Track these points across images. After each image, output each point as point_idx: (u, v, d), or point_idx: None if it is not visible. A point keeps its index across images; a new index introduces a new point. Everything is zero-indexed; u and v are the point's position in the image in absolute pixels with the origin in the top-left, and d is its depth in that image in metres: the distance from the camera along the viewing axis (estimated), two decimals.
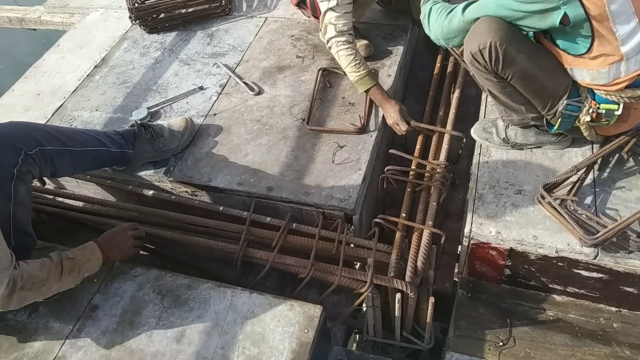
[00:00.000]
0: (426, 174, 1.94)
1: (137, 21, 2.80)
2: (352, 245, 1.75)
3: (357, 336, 2.07)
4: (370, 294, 1.60)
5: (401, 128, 2.01)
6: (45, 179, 1.94)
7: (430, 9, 1.74)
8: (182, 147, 2.08)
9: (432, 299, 1.64)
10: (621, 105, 1.56)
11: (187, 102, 2.34)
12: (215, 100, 2.32)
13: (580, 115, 1.64)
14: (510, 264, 1.72)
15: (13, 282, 1.33)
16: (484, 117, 2.04)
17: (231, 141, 2.11)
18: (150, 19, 2.80)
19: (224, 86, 2.39)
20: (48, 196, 2.18)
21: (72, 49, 2.82)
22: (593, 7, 1.37)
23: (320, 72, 2.32)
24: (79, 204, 2.11)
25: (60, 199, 2.16)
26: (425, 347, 1.80)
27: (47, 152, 1.63)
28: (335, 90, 2.28)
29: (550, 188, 1.69)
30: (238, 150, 2.07)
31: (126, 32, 2.86)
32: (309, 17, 2.45)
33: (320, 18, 2.04)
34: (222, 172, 1.98)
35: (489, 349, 1.64)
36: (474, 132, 1.97)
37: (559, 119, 1.67)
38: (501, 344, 1.65)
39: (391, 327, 1.80)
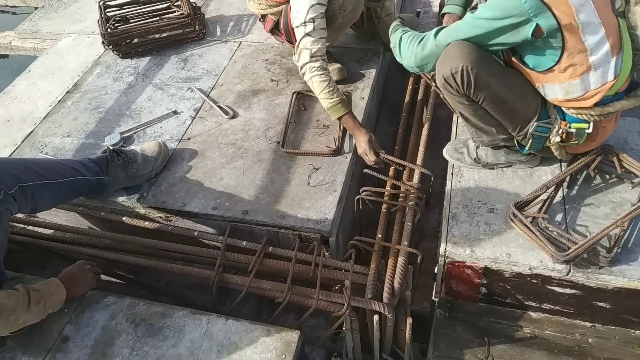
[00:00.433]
0: (401, 195, 1.96)
1: (110, 46, 2.79)
2: (329, 267, 1.75)
3: None
4: (348, 317, 1.59)
5: (369, 158, 2.02)
6: None
7: (401, 37, 1.78)
8: (155, 172, 2.06)
9: (410, 320, 1.64)
10: (591, 124, 1.61)
11: (161, 127, 2.33)
12: (190, 124, 2.31)
13: (550, 136, 1.69)
14: (485, 282, 1.73)
15: None
16: (456, 138, 2.08)
17: (206, 165, 2.10)
18: (123, 44, 2.80)
19: (198, 110, 2.39)
20: (17, 225, 2.12)
21: (43, 75, 2.79)
22: (564, 16, 1.42)
23: (295, 95, 2.34)
24: (50, 232, 2.06)
25: (30, 227, 2.11)
26: None
27: (27, 189, 1.59)
28: (309, 113, 2.29)
29: (521, 206, 1.72)
30: (213, 174, 2.06)
31: (99, 57, 2.84)
32: (282, 42, 2.48)
33: (296, 44, 2.06)
34: (197, 197, 1.97)
35: None
36: (446, 152, 2.00)
37: (530, 140, 1.71)
38: None
39: (370, 350, 1.79)
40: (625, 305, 1.63)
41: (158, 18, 2.90)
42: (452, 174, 1.94)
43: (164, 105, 2.45)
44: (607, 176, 1.83)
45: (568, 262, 1.56)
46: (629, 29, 1.52)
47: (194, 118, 2.34)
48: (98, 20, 2.83)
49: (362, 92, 2.37)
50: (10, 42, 3.41)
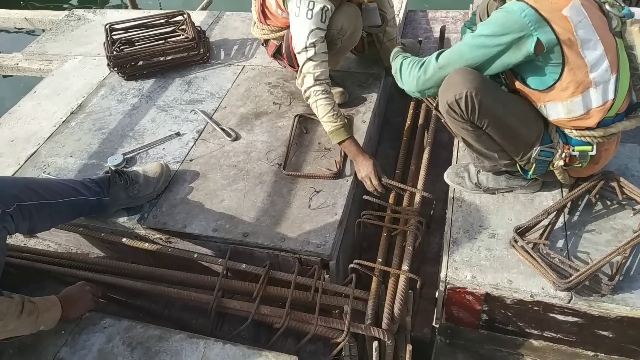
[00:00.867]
0: (401, 218, 1.95)
1: (115, 68, 2.82)
2: (329, 292, 1.73)
3: None
4: (347, 343, 1.57)
5: (372, 182, 2.01)
6: None
7: (401, 63, 1.79)
8: (157, 193, 2.06)
9: (410, 347, 1.62)
10: (595, 146, 1.61)
11: (164, 148, 2.34)
12: (192, 146, 2.33)
13: (554, 160, 1.69)
14: (487, 308, 1.71)
15: None
16: (457, 162, 2.09)
17: (207, 187, 2.10)
18: (128, 67, 2.83)
19: (201, 132, 2.40)
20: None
21: (48, 96, 2.82)
22: (562, 31, 1.44)
23: (297, 118, 2.36)
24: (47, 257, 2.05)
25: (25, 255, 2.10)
26: None
27: (25, 208, 1.58)
28: (311, 136, 2.31)
29: (522, 232, 1.71)
30: (214, 195, 2.06)
31: (104, 79, 2.87)
32: (285, 67, 2.51)
33: (299, 69, 2.09)
34: (198, 218, 1.96)
35: None
36: (447, 176, 2.00)
37: (534, 165, 1.71)
38: None
39: None
40: (628, 334, 1.61)
41: (163, 41, 2.94)
42: (453, 198, 1.94)
43: (167, 126, 2.47)
44: (609, 202, 1.82)
45: (570, 289, 1.55)
46: (627, 49, 1.53)
47: (197, 140, 2.36)
48: (104, 43, 2.87)
49: (363, 116, 2.38)
50: (17, 63, 3.45)
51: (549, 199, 1.87)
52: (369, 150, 2.42)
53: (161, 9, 5.72)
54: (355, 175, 2.09)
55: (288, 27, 2.20)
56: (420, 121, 2.52)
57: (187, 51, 2.87)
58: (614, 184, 1.80)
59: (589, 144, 1.62)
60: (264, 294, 1.73)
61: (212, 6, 4.57)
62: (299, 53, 2.06)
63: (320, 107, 2.05)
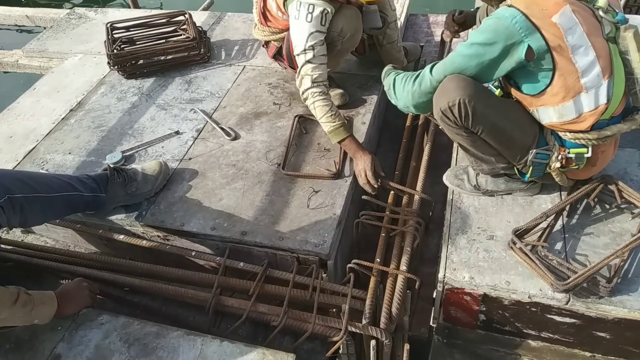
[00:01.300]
0: (400, 219, 1.95)
1: (116, 67, 2.82)
2: (327, 291, 1.73)
3: None
4: (345, 342, 1.57)
5: (367, 175, 2.00)
6: None
7: (394, 79, 1.80)
8: (155, 191, 2.06)
9: (407, 346, 1.61)
10: (590, 148, 1.62)
11: (163, 146, 2.34)
12: (191, 144, 2.33)
13: (550, 163, 1.69)
14: (484, 309, 1.71)
15: None
16: (456, 164, 2.09)
17: (206, 185, 2.10)
18: (128, 65, 2.83)
19: (201, 131, 2.40)
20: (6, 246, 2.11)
21: (48, 93, 2.82)
22: (553, 38, 1.45)
23: (297, 118, 2.36)
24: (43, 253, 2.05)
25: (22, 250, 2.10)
26: None
27: (16, 200, 1.58)
28: (310, 137, 2.31)
29: (521, 234, 1.71)
30: (212, 194, 2.06)
31: (104, 77, 2.87)
32: (285, 68, 2.52)
33: (298, 71, 2.10)
34: (196, 217, 1.96)
35: None
36: (446, 178, 2.01)
37: (530, 168, 1.72)
38: None
39: None
40: (625, 336, 1.61)
41: (164, 40, 2.94)
42: (452, 200, 1.94)
43: (167, 125, 2.47)
44: (607, 206, 1.83)
45: (567, 291, 1.55)
46: (621, 54, 1.54)
47: (196, 139, 2.36)
48: (105, 41, 2.87)
49: (363, 117, 2.39)
50: (18, 60, 3.45)
51: (547, 201, 1.87)
52: (368, 150, 2.43)
53: (162, 8, 5.73)
54: (355, 175, 2.09)
55: (288, 29, 2.21)
56: (420, 123, 2.52)
57: (187, 51, 2.87)
58: (613, 187, 1.80)
59: (584, 146, 1.63)
60: (262, 292, 1.73)
61: (213, 7, 4.58)
62: (297, 55, 2.07)
63: (318, 108, 2.06)
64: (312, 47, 2.03)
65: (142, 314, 1.86)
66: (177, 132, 2.41)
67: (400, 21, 3.11)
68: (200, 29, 3.02)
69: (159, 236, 2.00)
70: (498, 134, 1.65)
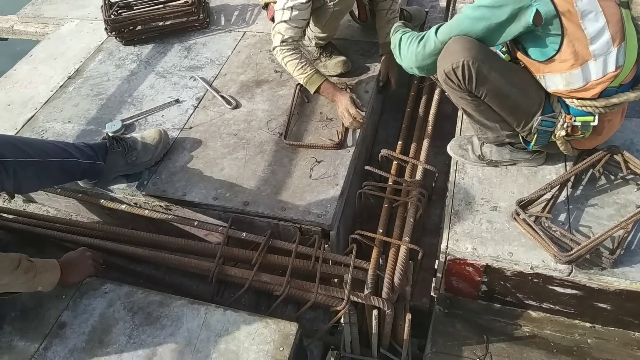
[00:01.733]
0: (403, 190, 1.94)
1: (113, 33, 2.76)
2: (329, 261, 1.73)
3: (334, 353, 2.04)
4: (347, 311, 1.58)
5: (350, 112, 2.02)
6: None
7: (401, 38, 1.75)
8: (155, 161, 2.04)
9: (409, 316, 1.63)
10: (596, 116, 1.59)
11: (163, 115, 2.31)
12: (192, 113, 2.29)
13: (556, 131, 1.67)
14: (486, 280, 1.72)
15: None
16: (460, 134, 2.07)
17: (207, 155, 2.08)
18: (126, 31, 2.77)
19: (201, 99, 2.36)
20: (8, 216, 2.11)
21: (45, 60, 2.76)
22: (562, 3, 1.41)
23: (298, 87, 2.32)
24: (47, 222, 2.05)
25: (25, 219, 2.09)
26: None
27: (8, 164, 1.57)
28: (313, 106, 2.27)
29: (524, 205, 1.70)
30: (214, 164, 2.04)
31: (101, 43, 2.81)
32: None
33: (272, 27, 2.12)
34: (197, 187, 1.95)
35: None
36: (450, 148, 1.98)
37: (535, 135, 1.69)
38: None
39: (368, 344, 1.78)
40: (626, 307, 1.62)
41: (162, 5, 2.86)
42: (455, 170, 1.92)
43: (166, 93, 2.43)
44: (612, 177, 1.81)
45: (570, 262, 1.55)
46: (634, 20, 1.50)
47: (196, 107, 2.32)
48: (101, 6, 2.79)
49: (366, 86, 2.35)
50: (12, 26, 3.37)
51: (552, 172, 1.85)
52: (371, 120, 2.40)
53: None
54: (357, 145, 2.07)
55: None
56: (424, 92, 2.48)
57: (186, 16, 2.81)
58: (619, 158, 1.78)
59: (590, 114, 1.60)
60: (264, 262, 1.74)
61: None
62: (276, 10, 2.08)
63: (289, 64, 2.10)
64: (291, 8, 2.02)
65: (146, 283, 1.87)
66: (177, 101, 2.37)
67: None
68: None
69: (160, 206, 1.99)
70: (502, 99, 1.62)
